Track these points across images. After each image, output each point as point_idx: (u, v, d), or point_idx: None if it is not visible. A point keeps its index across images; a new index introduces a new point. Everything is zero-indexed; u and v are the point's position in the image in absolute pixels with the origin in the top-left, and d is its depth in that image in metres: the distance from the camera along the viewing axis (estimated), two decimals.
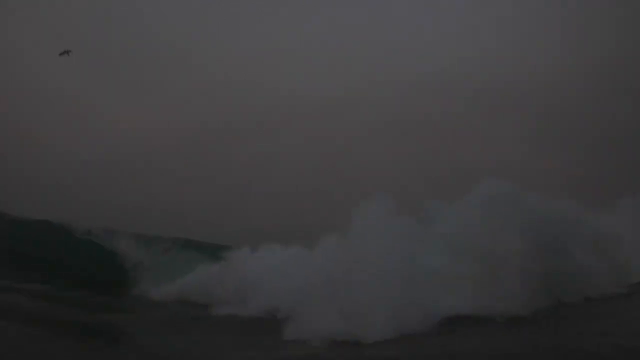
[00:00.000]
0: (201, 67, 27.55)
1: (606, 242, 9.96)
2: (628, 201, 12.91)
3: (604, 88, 24.48)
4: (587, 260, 9.21)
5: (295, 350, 7.42)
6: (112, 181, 21.16)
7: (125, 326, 9.90)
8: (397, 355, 6.90)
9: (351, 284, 8.33)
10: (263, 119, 25.92)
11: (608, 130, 23.62)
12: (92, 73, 24.96)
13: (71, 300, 12.36)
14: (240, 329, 9.73)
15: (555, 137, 24.79)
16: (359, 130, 26.56)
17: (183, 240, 17.51)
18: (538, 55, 26.57)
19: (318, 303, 8.33)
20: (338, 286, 8.44)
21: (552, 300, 8.65)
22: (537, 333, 7.36)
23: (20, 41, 24.94)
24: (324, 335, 7.71)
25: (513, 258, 8.46)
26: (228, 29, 28.01)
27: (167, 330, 9.56)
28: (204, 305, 11.96)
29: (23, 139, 22.35)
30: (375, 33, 29.01)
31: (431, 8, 27.19)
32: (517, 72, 26.23)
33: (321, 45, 27.80)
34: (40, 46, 23.01)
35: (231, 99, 26.81)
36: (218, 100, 26.96)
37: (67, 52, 13.66)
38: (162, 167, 23.48)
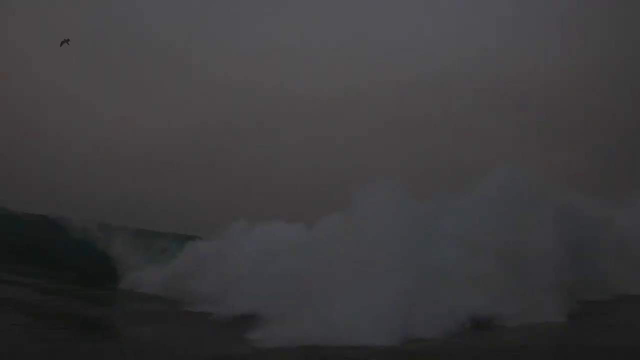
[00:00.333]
0: (201, 67, 27.29)
1: (629, 240, 9.44)
2: (634, 198, 12.55)
3: (604, 87, 24.27)
4: (611, 260, 8.68)
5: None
6: (113, 179, 20.86)
7: (110, 318, 10.01)
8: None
9: (352, 274, 7.26)
10: (263, 119, 25.64)
11: (608, 129, 23.40)
12: (92, 72, 24.68)
13: (67, 293, 12.13)
14: (222, 325, 9.09)
15: (555, 136, 24.55)
16: (359, 130, 26.32)
17: (184, 237, 17.16)
18: (538, 54, 26.39)
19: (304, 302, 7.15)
20: (336, 278, 7.30)
21: (578, 300, 7.96)
22: (579, 332, 6.92)
23: (21, 41, 24.67)
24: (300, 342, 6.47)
25: (542, 257, 7.62)
26: (228, 29, 27.77)
27: (151, 323, 9.32)
28: (187, 302, 11.35)
29: (25, 138, 22.07)
30: (375, 33, 28.83)
31: (431, 8, 27.01)
32: (516, 71, 26.04)
33: (321, 45, 27.62)
34: (41, 46, 22.71)
35: (231, 99, 26.56)
36: (218, 100, 26.70)
37: (66, 41, 13.39)
38: (163, 166, 23.16)
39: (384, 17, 28.83)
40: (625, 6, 24.65)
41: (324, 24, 28.34)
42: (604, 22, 25.32)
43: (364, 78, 27.46)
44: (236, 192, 22.61)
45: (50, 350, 6.30)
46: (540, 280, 7.50)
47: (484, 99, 25.77)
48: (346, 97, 26.09)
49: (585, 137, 23.73)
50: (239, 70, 27.19)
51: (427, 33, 27.29)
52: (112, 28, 25.47)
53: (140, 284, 13.71)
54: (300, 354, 6.20)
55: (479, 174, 9.19)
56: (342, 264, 7.49)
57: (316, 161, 24.65)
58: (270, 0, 28.39)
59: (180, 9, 27.82)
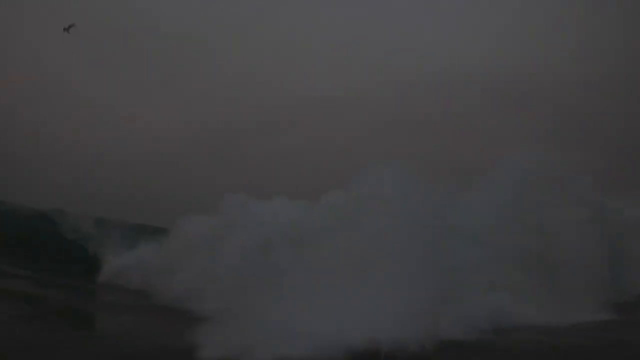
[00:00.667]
0: (201, 68, 27.11)
1: None
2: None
3: (605, 87, 24.03)
4: None
5: None
6: (119, 175, 20.57)
7: (87, 309, 9.94)
8: None
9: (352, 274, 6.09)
10: (263, 119, 25.40)
11: (609, 129, 23.18)
12: (97, 68, 24.41)
13: (53, 285, 11.78)
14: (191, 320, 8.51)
15: (556, 136, 24.29)
16: (359, 130, 26.07)
17: None
18: (538, 54, 26.17)
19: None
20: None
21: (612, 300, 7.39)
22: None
23: (30, 38, 24.38)
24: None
25: (575, 255, 7.02)
26: (228, 29, 27.50)
27: (124, 315, 9.27)
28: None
29: (31, 135, 21.77)
30: (376, 33, 28.55)
31: (431, 8, 26.77)
32: (517, 71, 25.76)
33: (321, 45, 27.34)
34: (49, 42, 22.37)
35: (232, 99, 26.32)
36: (218, 100, 26.45)
37: (69, 27, 12.98)
38: (163, 166, 22.90)
39: (384, 17, 28.57)
40: (627, 4, 24.45)
41: (324, 24, 28.06)
42: (605, 21, 25.10)
43: (364, 78, 27.19)
44: (236, 192, 22.21)
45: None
46: (573, 278, 6.96)
47: (484, 99, 25.53)
48: (346, 97, 25.82)
49: (586, 136, 23.47)
50: (239, 70, 26.90)
51: (427, 33, 27.07)
52: (123, 27, 25.10)
53: (123, 275, 13.13)
54: None
55: (482, 173, 8.58)
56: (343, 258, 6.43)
57: (316, 161, 24.34)
58: (271, 0, 28.07)
59: (180, 9, 27.46)
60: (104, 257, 13.92)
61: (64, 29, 12.96)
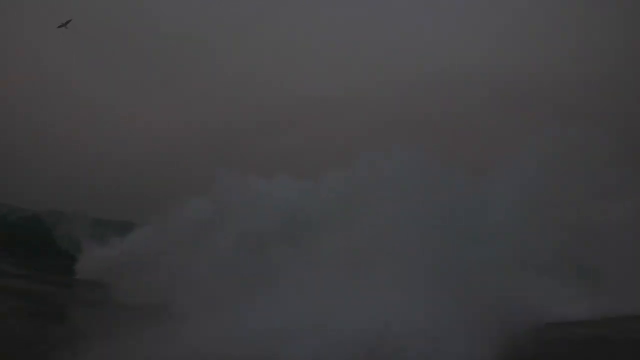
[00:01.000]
0: (201, 68, 26.78)
1: None
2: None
3: (605, 87, 23.83)
4: None
5: None
6: (120, 175, 20.16)
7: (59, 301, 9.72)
8: None
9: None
10: (263, 119, 25.06)
11: (609, 129, 22.90)
12: (97, 68, 24.04)
13: (53, 283, 11.63)
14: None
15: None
16: (359, 130, 25.76)
17: None
18: (538, 54, 25.99)
19: None
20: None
21: None
22: None
23: (31, 38, 24.01)
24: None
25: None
26: (228, 29, 27.19)
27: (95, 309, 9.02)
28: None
29: (31, 135, 21.35)
30: (376, 33, 28.33)
31: (431, 8, 26.58)
32: (517, 71, 25.55)
33: (322, 45, 27.07)
34: (48, 41, 22.00)
35: (232, 99, 25.99)
36: (218, 100, 26.10)
37: (66, 23, 12.63)
38: (163, 166, 22.47)
39: (384, 17, 28.34)
40: (627, 4, 24.31)
41: (324, 24, 27.80)
42: (605, 21, 24.94)
43: (364, 78, 26.92)
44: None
45: None
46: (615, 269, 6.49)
47: (484, 99, 25.28)
48: (346, 97, 25.51)
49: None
50: (239, 70, 26.55)
51: (427, 33, 26.86)
52: (120, 26, 24.73)
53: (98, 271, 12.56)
54: None
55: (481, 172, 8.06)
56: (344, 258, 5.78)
57: (316, 161, 23.98)
58: (271, 0, 27.78)
59: (180, 10, 27.16)
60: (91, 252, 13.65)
61: (61, 25, 12.61)
